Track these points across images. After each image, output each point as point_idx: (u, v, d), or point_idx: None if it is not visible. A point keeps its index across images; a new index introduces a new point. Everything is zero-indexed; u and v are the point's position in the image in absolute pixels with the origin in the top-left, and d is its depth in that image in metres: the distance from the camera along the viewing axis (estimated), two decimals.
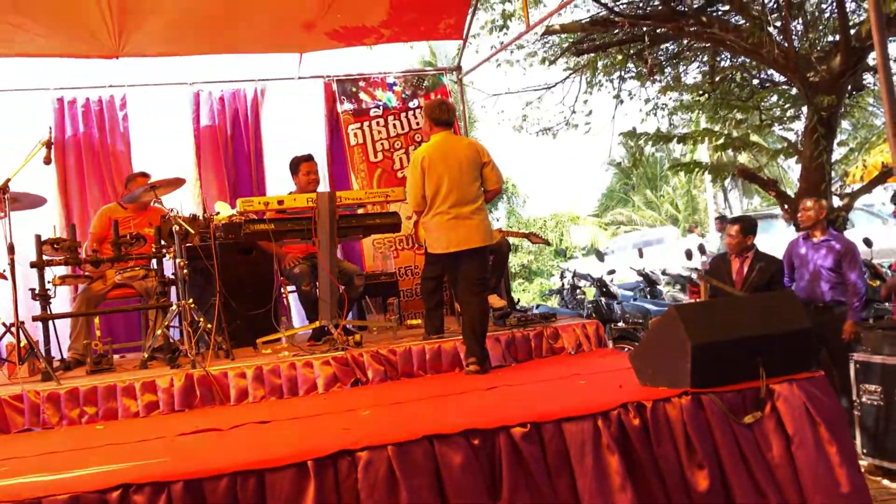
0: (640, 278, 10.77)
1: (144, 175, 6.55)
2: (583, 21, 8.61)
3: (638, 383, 3.93)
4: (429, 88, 8.47)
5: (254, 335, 5.87)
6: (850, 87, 7.71)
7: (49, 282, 5.41)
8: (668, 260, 19.51)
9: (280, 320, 6.06)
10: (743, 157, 10.61)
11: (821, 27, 8.35)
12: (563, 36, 9.01)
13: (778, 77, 8.59)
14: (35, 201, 5.83)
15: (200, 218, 5.73)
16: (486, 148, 5.46)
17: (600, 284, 9.08)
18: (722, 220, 12.53)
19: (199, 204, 7.52)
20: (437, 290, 5.72)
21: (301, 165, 6.39)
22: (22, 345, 5.24)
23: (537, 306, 10.20)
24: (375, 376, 5.14)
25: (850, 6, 7.31)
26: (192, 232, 5.41)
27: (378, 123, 8.16)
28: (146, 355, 5.44)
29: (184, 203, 7.06)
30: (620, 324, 8.30)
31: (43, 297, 5.33)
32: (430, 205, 5.27)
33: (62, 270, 6.12)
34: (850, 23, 7.32)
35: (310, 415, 4.19)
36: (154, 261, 5.72)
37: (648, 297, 10.35)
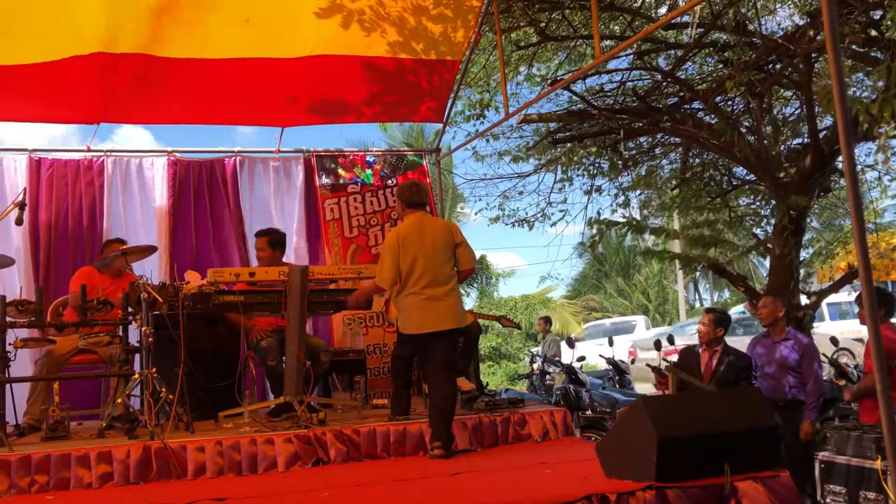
0: (610, 367, 10.77)
1: (120, 241, 6.53)
2: (559, 112, 8.81)
3: (603, 475, 3.91)
4: (407, 168, 8.57)
5: (216, 408, 5.77)
6: (818, 189, 7.92)
7: (10, 344, 5.31)
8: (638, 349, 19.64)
9: (244, 394, 5.97)
10: (713, 251, 10.80)
11: (789, 130, 8.60)
12: (538, 128, 9.20)
13: (749, 175, 8.80)
14: (3, 261, 5.78)
15: (170, 286, 5.68)
16: (460, 229, 5.51)
17: (569, 371, 9.06)
18: (546, 321, 12.58)
19: (170, 273, 7.47)
20: (407, 370, 5.65)
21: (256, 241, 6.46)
22: None
23: (506, 390, 10.15)
24: (338, 456, 5.06)
25: (818, 109, 7.54)
26: (161, 300, 5.36)
27: (355, 199, 8.22)
28: (104, 424, 5.33)
29: (154, 271, 7.04)
30: (588, 412, 8.26)
31: (1, 359, 5.22)
32: (404, 284, 5.25)
33: (25, 333, 6.00)
34: (819, 126, 7.55)
35: (267, 493, 4.11)
36: (120, 327, 5.64)
37: (617, 386, 10.33)
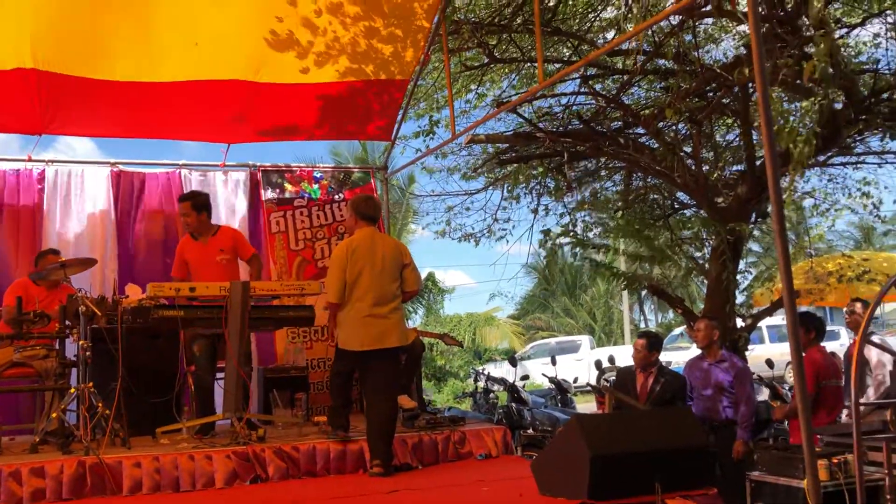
0: (553, 386, 10.88)
1: (55, 253, 6.43)
2: (506, 133, 8.93)
3: (538, 492, 3.96)
4: (355, 184, 8.60)
5: (154, 424, 5.70)
6: (755, 215, 8.14)
7: None
8: (582, 369, 19.86)
9: (182, 410, 5.91)
10: (657, 272, 11.01)
11: (730, 156, 8.84)
12: (486, 146, 9.31)
13: (688, 199, 9.01)
14: None
15: (109, 300, 5.61)
16: (409, 250, 5.54)
17: (512, 390, 9.13)
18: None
19: (110, 286, 7.36)
20: (346, 386, 5.62)
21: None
22: None
23: (449, 409, 10.18)
24: (276, 473, 5.04)
25: (756, 137, 7.77)
26: (99, 314, 5.30)
27: (301, 213, 8.22)
28: (38, 439, 5.22)
29: (94, 284, 6.94)
30: (530, 431, 8.33)
31: None
32: (348, 298, 5.21)
33: None
34: (758, 153, 7.78)
35: None
36: (57, 341, 5.55)
37: (560, 405, 10.44)
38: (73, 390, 5.24)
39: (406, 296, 5.46)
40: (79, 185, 7.56)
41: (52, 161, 7.59)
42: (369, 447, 5.14)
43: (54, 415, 5.21)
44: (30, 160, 7.46)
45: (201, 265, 6.18)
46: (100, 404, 5.17)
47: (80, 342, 5.23)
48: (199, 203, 6.23)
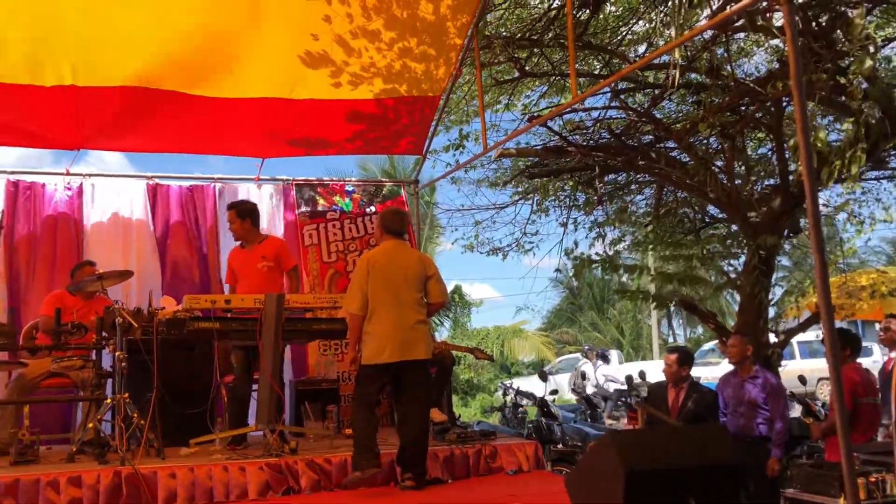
0: (582, 401, 10.84)
1: (91, 264, 6.54)
2: (537, 147, 8.94)
3: None
4: (386, 197, 8.65)
5: (188, 435, 5.76)
6: (788, 229, 8.08)
7: None
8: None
9: (216, 421, 5.96)
10: (686, 288, 10.96)
11: (762, 170, 8.78)
12: (517, 160, 9.33)
13: (720, 213, 8.96)
14: None
15: (145, 312, 5.69)
16: (433, 262, 5.53)
17: (542, 405, 9.11)
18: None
19: (146, 297, 7.45)
20: (373, 419, 5.21)
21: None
22: None
23: (478, 423, 10.17)
24: (308, 485, 5.06)
25: (789, 152, 7.73)
26: (135, 325, 5.37)
27: (334, 226, 8.28)
28: (74, 448, 5.29)
29: (130, 295, 7.03)
30: (560, 446, 8.30)
31: None
32: (372, 311, 5.14)
33: None
34: (791, 167, 7.72)
35: None
36: (94, 352, 5.64)
37: (589, 420, 10.39)
38: (108, 401, 5.30)
39: (432, 308, 5.42)
40: (115, 199, 7.68)
41: (90, 174, 7.71)
42: (401, 461, 5.13)
43: (90, 425, 5.28)
44: (68, 174, 7.58)
45: (244, 271, 6.34)
46: (135, 415, 5.23)
47: (117, 353, 5.30)
48: (243, 210, 6.40)
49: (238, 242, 6.50)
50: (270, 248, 6.40)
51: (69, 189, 7.55)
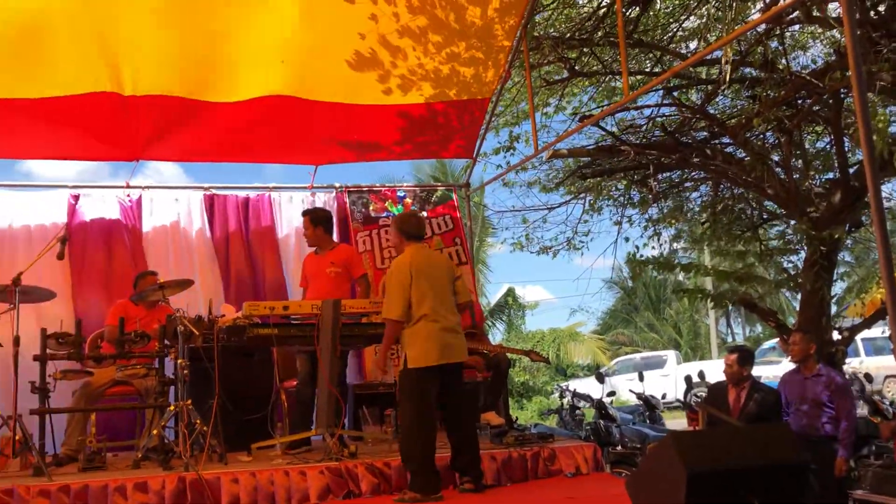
0: (640, 402, 10.71)
1: (153, 274, 6.69)
2: (589, 147, 8.88)
3: None
4: (437, 202, 8.68)
5: (249, 440, 5.84)
6: (850, 224, 7.89)
7: (50, 375, 5.44)
8: (669, 384, 19.45)
9: (276, 426, 6.04)
10: (745, 286, 10.79)
11: (820, 165, 8.59)
12: (568, 160, 9.28)
13: (779, 209, 8.79)
14: (44, 295, 5.94)
15: (205, 320, 5.79)
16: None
17: (599, 406, 9.02)
18: None
19: (206, 305, 7.59)
20: (434, 427, 5.04)
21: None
22: (17, 438, 5.23)
23: (535, 425, 10.12)
24: (369, 489, 5.09)
25: (848, 144, 7.55)
26: (196, 333, 5.47)
27: (386, 232, 8.31)
28: (140, 455, 5.41)
29: (191, 304, 7.16)
30: (619, 448, 8.21)
31: (42, 390, 5.35)
32: (417, 315, 5.03)
33: (65, 364, 6.13)
34: (851, 160, 7.55)
35: None
36: (156, 360, 5.76)
37: (647, 421, 10.26)
38: (172, 408, 5.42)
39: (460, 308, 5.34)
40: (173, 209, 7.84)
41: (149, 186, 7.89)
42: (457, 465, 5.13)
43: (155, 432, 5.38)
44: (128, 186, 7.76)
45: (313, 276, 6.49)
46: (198, 421, 5.33)
47: (179, 361, 5.41)
48: (316, 218, 6.55)
49: (313, 248, 6.62)
50: (340, 256, 6.52)
51: (129, 201, 7.72)
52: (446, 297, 5.18)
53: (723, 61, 6.66)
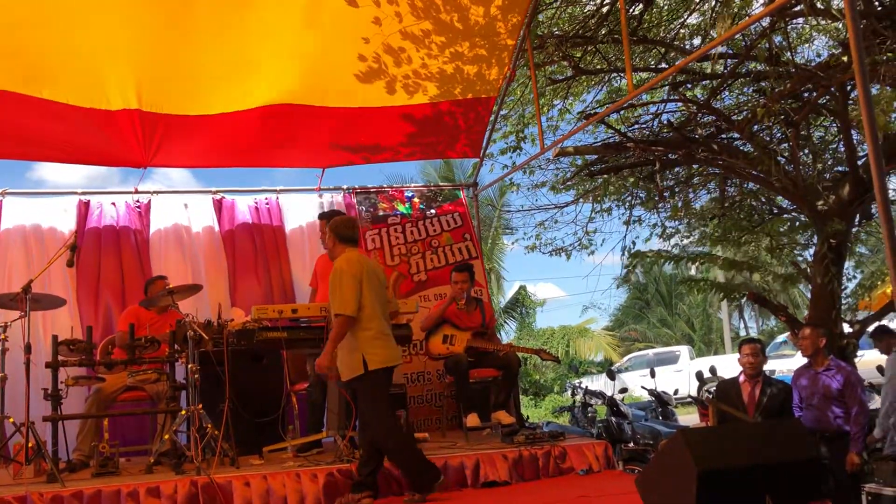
0: (652, 398, 10.68)
1: (163, 279, 6.72)
2: (595, 144, 8.87)
3: None
4: (445, 200, 8.70)
5: (261, 443, 5.87)
6: (860, 216, 7.85)
7: (62, 382, 5.48)
8: (682, 380, 19.40)
9: (287, 429, 6.06)
10: (757, 278, 10.74)
11: (829, 157, 8.56)
12: (575, 158, 9.27)
13: (787, 203, 8.76)
14: (54, 302, 5.98)
15: (215, 324, 5.82)
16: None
17: (611, 404, 9.00)
18: None
19: (216, 310, 7.61)
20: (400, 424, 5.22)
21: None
22: (30, 445, 5.26)
23: (547, 423, 10.10)
24: (381, 490, 5.09)
25: (857, 136, 7.52)
26: (206, 337, 5.49)
27: (395, 230, 8.34)
28: (152, 459, 5.43)
29: (200, 308, 7.20)
30: (631, 445, 8.19)
31: (54, 397, 5.38)
32: (370, 315, 4.96)
33: (76, 371, 6.17)
34: (860, 152, 7.51)
35: None
36: (167, 365, 5.79)
37: (660, 417, 10.24)
38: (183, 412, 5.44)
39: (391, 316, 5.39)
40: (183, 214, 7.86)
41: (157, 192, 7.92)
42: (402, 474, 5.06)
43: (167, 436, 5.41)
44: (136, 192, 7.80)
45: (324, 278, 6.41)
46: (209, 425, 5.35)
47: (189, 365, 5.44)
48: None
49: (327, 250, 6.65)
50: None
51: (138, 206, 7.75)
52: (385, 302, 5.20)
53: (723, 56, 6.64)
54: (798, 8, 6.05)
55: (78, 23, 5.92)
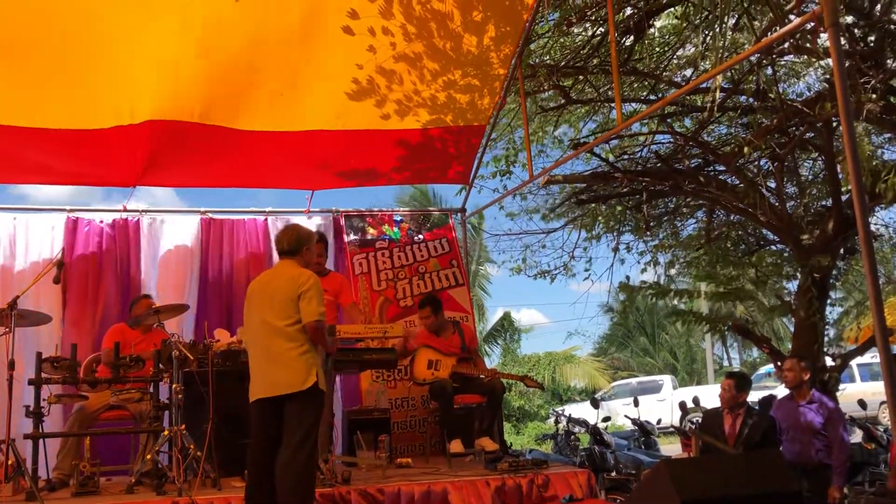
0: (635, 427, 10.69)
1: (147, 297, 6.71)
2: (584, 173, 8.95)
3: None
4: (434, 225, 8.73)
5: (243, 465, 5.81)
6: (842, 251, 7.94)
7: (45, 399, 5.44)
8: (665, 409, 19.41)
9: None
10: (741, 309, 10.82)
11: (814, 192, 8.67)
12: (565, 187, 9.35)
13: (772, 236, 8.85)
14: (40, 319, 5.95)
15: (200, 344, 5.80)
16: (311, 278, 4.77)
17: (594, 432, 9.01)
18: None
19: (201, 330, 7.59)
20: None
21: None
22: (10, 462, 5.22)
23: (530, 451, 10.09)
24: None
25: (841, 173, 7.61)
26: (191, 358, 5.48)
27: (383, 254, 8.36)
28: (133, 479, 5.39)
29: (185, 328, 7.17)
30: (613, 474, 8.20)
31: (36, 414, 5.34)
32: (246, 344, 4.88)
33: (59, 389, 6.12)
34: (843, 189, 7.61)
35: None
36: (151, 384, 5.76)
37: (643, 447, 10.25)
38: (166, 432, 5.41)
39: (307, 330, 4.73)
40: (170, 233, 7.85)
41: (146, 210, 7.91)
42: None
43: (149, 456, 5.38)
44: (125, 210, 7.79)
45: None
46: (191, 446, 5.32)
47: (173, 385, 5.42)
48: (326, 244, 6.89)
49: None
50: (332, 283, 6.61)
51: (126, 224, 7.74)
52: (273, 322, 4.77)
53: (713, 88, 6.74)
54: (786, 45, 6.15)
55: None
